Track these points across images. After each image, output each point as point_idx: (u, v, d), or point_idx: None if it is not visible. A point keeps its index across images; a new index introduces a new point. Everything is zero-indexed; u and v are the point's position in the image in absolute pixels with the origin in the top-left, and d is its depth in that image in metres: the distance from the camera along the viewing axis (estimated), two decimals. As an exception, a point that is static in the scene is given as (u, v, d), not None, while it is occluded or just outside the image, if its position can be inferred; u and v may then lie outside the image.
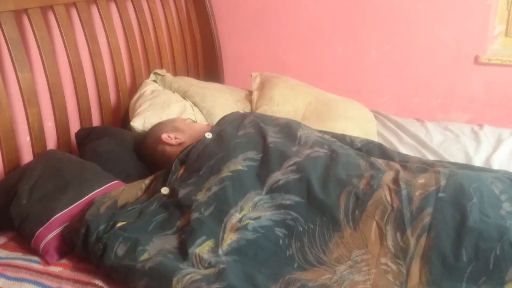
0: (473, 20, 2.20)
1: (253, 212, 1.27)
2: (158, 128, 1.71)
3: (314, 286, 1.12)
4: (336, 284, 1.13)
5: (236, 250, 1.20)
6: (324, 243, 1.21)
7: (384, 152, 1.56)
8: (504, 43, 2.26)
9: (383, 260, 1.15)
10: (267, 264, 1.18)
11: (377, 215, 1.21)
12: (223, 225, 1.24)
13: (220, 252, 1.19)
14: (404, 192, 1.24)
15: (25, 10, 1.60)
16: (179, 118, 1.79)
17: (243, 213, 1.26)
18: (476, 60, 2.24)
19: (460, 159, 1.79)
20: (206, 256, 1.17)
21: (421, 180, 1.28)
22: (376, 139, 1.91)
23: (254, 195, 1.30)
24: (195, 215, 1.25)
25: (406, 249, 1.15)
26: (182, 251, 1.18)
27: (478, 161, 1.78)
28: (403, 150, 1.86)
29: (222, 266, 1.14)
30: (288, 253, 1.21)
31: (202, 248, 1.19)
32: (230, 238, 1.22)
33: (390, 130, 2.08)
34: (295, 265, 1.18)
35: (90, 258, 1.23)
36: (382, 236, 1.18)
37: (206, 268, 1.14)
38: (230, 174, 1.33)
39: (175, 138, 1.63)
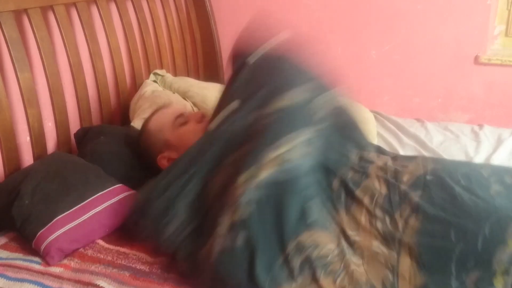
0: (473, 20, 2.20)
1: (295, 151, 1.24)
2: (148, 145, 1.58)
3: (318, 256, 1.13)
4: (337, 258, 1.13)
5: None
6: (335, 209, 1.23)
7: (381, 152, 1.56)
8: (504, 43, 2.26)
9: (374, 243, 1.16)
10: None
11: (366, 200, 1.23)
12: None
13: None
14: (392, 179, 1.25)
15: (25, 10, 1.60)
16: (167, 125, 1.57)
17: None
18: (476, 60, 2.24)
19: (460, 159, 1.79)
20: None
21: (409, 166, 1.30)
22: (376, 140, 1.91)
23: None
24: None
25: (395, 232, 1.15)
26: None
27: (478, 161, 1.78)
28: (403, 151, 1.86)
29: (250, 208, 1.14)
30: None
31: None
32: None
33: (390, 131, 2.08)
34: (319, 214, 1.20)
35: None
36: (371, 220, 1.19)
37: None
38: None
39: (169, 160, 1.52)
